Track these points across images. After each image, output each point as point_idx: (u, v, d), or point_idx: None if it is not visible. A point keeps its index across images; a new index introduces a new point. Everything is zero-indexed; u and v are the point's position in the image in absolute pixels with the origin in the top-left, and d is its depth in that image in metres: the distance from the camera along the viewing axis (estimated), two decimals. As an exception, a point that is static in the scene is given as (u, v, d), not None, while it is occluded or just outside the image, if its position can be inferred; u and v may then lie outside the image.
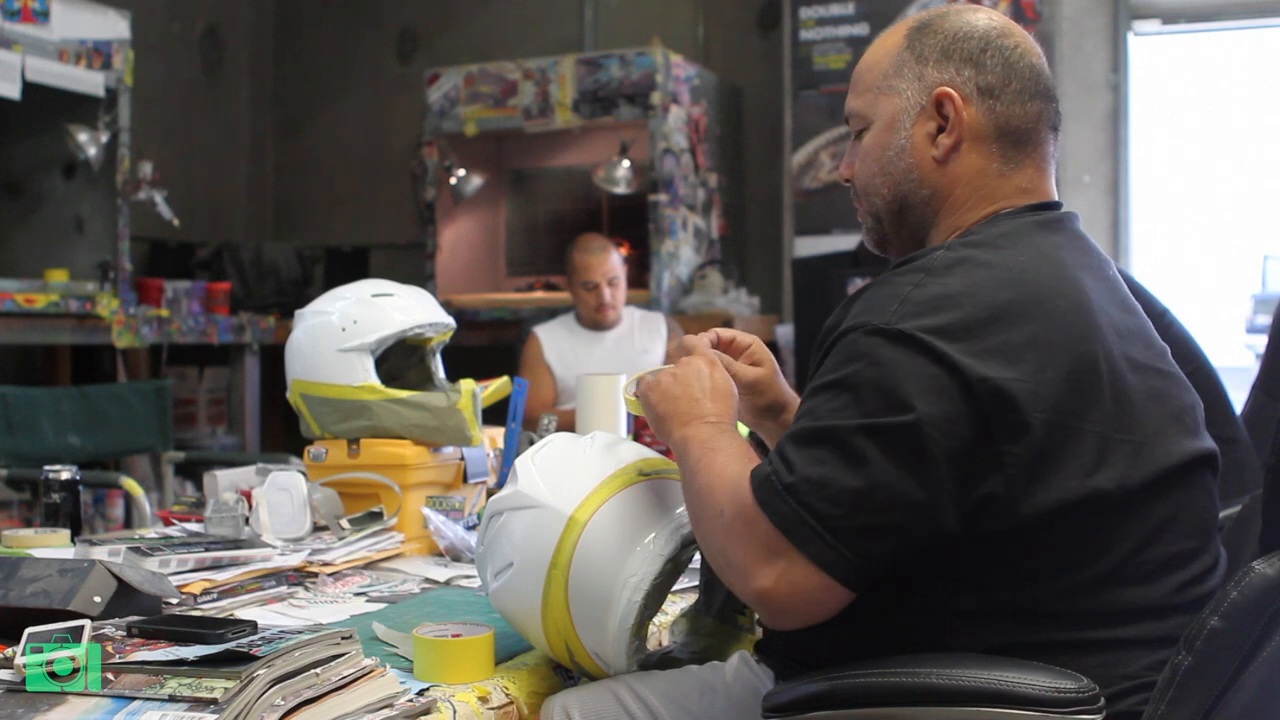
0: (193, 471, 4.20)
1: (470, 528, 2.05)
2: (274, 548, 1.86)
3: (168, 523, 2.13)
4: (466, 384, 2.14)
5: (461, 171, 5.27)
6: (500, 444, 2.27)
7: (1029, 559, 1.21)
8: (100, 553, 1.69)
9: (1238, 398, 1.56)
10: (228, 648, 1.18)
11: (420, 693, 1.29)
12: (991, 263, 1.27)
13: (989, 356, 1.19)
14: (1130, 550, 1.23)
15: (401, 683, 1.28)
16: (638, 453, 1.52)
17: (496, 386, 2.26)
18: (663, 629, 1.62)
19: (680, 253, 4.93)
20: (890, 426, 1.17)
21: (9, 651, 1.21)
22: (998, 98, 1.36)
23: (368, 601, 1.72)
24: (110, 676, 1.17)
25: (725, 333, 1.60)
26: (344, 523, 1.98)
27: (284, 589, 1.76)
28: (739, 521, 1.24)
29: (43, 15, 3.94)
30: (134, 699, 1.14)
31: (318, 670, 1.19)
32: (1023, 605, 1.22)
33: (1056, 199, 1.40)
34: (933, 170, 1.38)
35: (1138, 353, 1.30)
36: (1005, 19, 1.42)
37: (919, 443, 1.17)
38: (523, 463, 1.48)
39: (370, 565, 1.95)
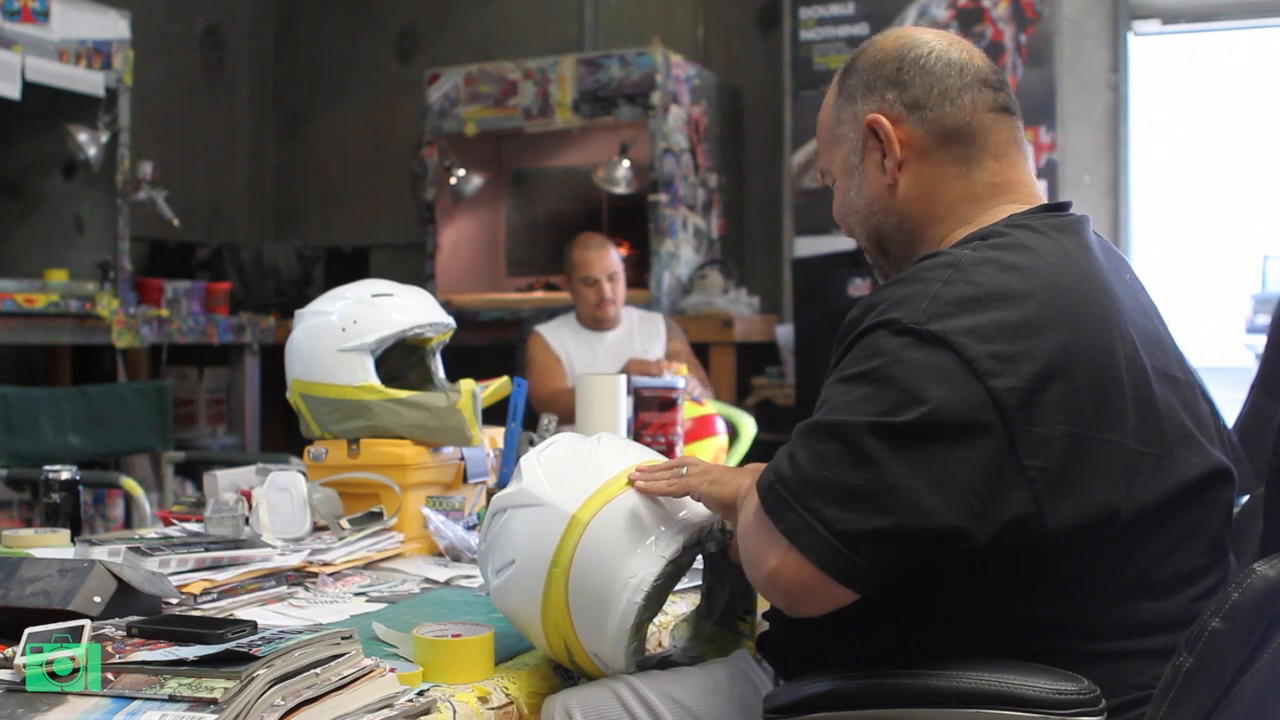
0: (193, 471, 4.20)
1: (470, 528, 2.05)
2: (274, 548, 1.86)
3: (168, 523, 2.13)
4: (466, 384, 2.14)
5: (461, 171, 5.27)
6: (500, 444, 2.27)
7: (1049, 574, 1.20)
8: (100, 553, 1.69)
9: (1238, 397, 1.56)
10: (228, 648, 1.18)
11: (420, 693, 1.29)
12: (1020, 265, 1.24)
13: (1019, 361, 1.17)
14: (1147, 566, 1.22)
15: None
16: (642, 455, 1.53)
17: (496, 386, 2.26)
18: (663, 630, 1.62)
19: (680, 253, 4.93)
20: (905, 426, 1.15)
21: (9, 651, 1.21)
22: (926, 107, 1.37)
23: (368, 601, 1.72)
24: (110, 676, 1.17)
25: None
26: (344, 523, 1.98)
27: (284, 589, 1.76)
28: (755, 520, 1.25)
29: (43, 15, 3.93)
30: (134, 699, 1.14)
31: (318, 670, 1.18)
32: (1037, 617, 1.21)
33: (1035, 189, 1.40)
34: (891, 198, 1.40)
35: (1159, 360, 1.29)
36: (917, 31, 1.43)
37: (933, 443, 1.15)
38: (528, 461, 1.48)
39: (370, 565, 1.95)
